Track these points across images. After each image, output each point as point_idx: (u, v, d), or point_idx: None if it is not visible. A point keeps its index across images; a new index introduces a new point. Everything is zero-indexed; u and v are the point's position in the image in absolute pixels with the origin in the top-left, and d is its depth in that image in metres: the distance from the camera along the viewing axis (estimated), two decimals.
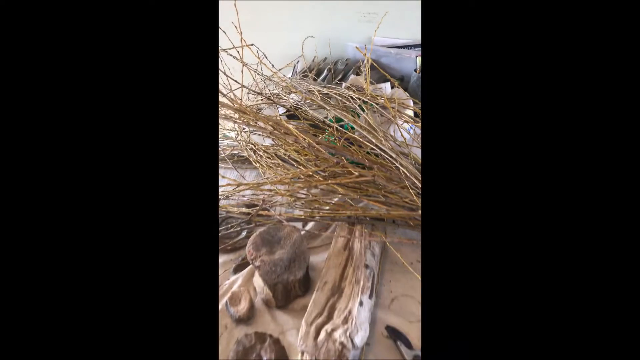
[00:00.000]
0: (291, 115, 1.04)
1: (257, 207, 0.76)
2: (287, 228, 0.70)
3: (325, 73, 1.38)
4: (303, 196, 0.80)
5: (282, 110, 1.15)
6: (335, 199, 0.83)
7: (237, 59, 0.95)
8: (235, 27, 0.95)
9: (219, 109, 0.88)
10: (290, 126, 0.82)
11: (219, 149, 1.04)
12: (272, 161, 0.94)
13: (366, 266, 0.68)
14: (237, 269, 0.76)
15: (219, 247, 0.80)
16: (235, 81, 0.88)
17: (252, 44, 1.00)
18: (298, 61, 1.38)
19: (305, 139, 0.81)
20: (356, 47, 1.00)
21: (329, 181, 0.76)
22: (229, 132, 1.03)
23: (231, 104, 0.86)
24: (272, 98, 0.98)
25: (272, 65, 1.02)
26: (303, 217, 0.77)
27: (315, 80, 1.33)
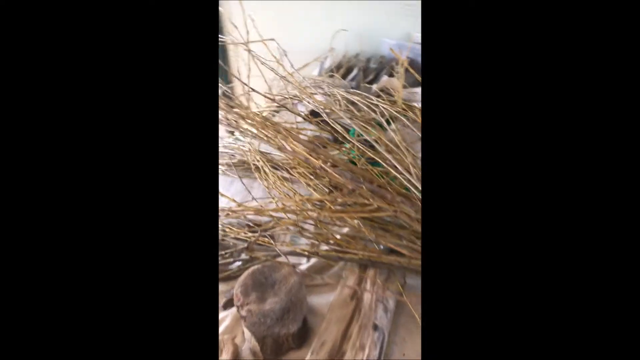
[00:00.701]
0: (316, 114, 0.92)
1: (256, 236, 0.65)
2: (285, 269, 0.59)
3: (355, 72, 1.24)
4: (309, 226, 0.68)
5: (302, 110, 1.03)
6: (346, 229, 0.71)
7: (255, 56, 0.83)
8: (252, 19, 0.83)
9: (225, 114, 0.77)
10: (301, 141, 0.70)
11: (225, 153, 0.94)
12: (281, 174, 0.83)
13: (375, 327, 0.56)
14: (228, 304, 0.66)
15: None
16: (245, 84, 0.77)
17: (272, 39, 0.87)
18: (327, 57, 1.25)
19: (318, 158, 0.69)
20: (390, 49, 0.85)
21: (339, 212, 0.63)
22: (234, 140, 0.92)
23: (240, 112, 0.75)
24: (285, 104, 0.86)
25: (291, 65, 0.89)
26: (306, 252, 0.65)
27: (343, 79, 1.20)
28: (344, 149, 0.84)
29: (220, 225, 0.74)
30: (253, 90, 0.77)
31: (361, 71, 1.21)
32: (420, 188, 0.63)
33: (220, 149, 0.92)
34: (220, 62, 1.04)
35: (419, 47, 1.18)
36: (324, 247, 0.69)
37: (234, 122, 0.79)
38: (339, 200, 0.64)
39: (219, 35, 0.97)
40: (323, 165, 0.64)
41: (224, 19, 1.03)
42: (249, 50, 0.82)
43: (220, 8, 1.06)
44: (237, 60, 0.84)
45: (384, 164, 0.69)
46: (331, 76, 1.13)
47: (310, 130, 0.92)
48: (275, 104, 0.89)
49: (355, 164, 0.79)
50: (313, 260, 0.68)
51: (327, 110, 0.81)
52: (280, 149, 0.71)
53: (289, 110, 0.85)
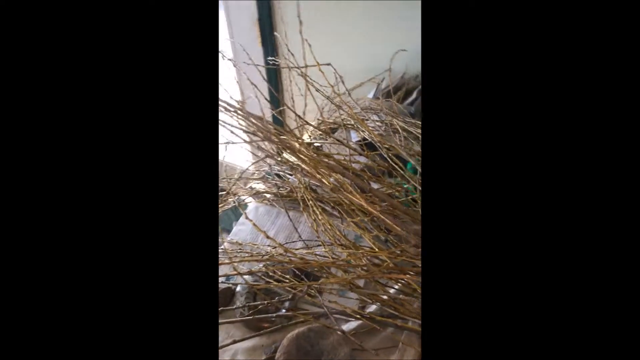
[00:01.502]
0: (370, 144, 0.84)
1: (302, 290, 0.59)
2: (334, 337, 0.52)
3: (414, 95, 1.15)
4: (360, 280, 0.61)
5: (355, 136, 0.96)
6: (397, 286, 0.62)
7: (309, 81, 0.78)
8: (309, 44, 0.77)
9: (275, 146, 0.72)
10: (353, 179, 0.63)
11: (275, 183, 0.89)
12: (330, 212, 0.76)
13: None
14: None
15: (255, 327, 0.64)
16: (299, 116, 0.71)
17: (328, 64, 0.81)
18: (383, 78, 1.17)
19: (373, 199, 0.62)
20: None
21: (396, 274, 0.56)
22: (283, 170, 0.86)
23: (290, 143, 0.70)
24: (336, 133, 0.79)
25: (346, 89, 0.83)
26: (357, 315, 0.58)
27: (401, 103, 1.11)
28: (398, 188, 0.76)
29: (263, 267, 0.68)
30: (307, 123, 0.71)
31: (420, 95, 1.12)
32: None
33: (270, 179, 0.87)
34: (271, 87, 0.99)
35: None
36: (373, 307, 0.61)
37: (282, 152, 0.74)
38: (399, 258, 0.56)
39: (274, 59, 0.93)
40: (383, 217, 0.57)
41: (281, 44, 0.99)
42: (305, 75, 0.77)
43: (276, 33, 1.02)
44: (291, 85, 0.79)
45: None
46: (387, 100, 1.05)
47: (361, 163, 0.85)
48: (325, 133, 0.83)
49: (415, 203, 0.71)
50: (358, 322, 0.61)
51: (385, 145, 0.73)
52: (333, 190, 0.65)
53: (340, 142, 0.78)
